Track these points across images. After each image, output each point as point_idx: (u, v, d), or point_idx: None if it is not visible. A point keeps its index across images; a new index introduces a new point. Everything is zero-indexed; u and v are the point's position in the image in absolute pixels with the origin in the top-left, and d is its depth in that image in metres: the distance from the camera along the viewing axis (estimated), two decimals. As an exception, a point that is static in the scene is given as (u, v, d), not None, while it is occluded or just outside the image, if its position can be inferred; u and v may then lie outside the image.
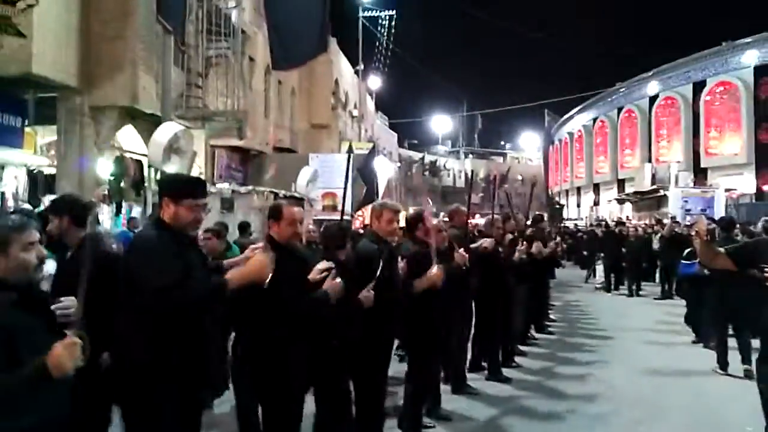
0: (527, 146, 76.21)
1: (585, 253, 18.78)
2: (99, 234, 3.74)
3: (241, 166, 19.85)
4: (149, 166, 12.15)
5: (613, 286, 15.61)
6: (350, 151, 22.99)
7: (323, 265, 3.59)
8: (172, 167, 11.41)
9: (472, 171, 43.68)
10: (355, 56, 32.25)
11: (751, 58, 29.71)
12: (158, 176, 11.28)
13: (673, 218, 17.14)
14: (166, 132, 10.93)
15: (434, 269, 4.44)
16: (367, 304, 3.83)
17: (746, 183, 28.97)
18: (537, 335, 9.21)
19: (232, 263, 3.45)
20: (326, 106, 27.27)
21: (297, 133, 24.78)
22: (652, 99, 36.59)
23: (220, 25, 15.80)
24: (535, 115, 64.01)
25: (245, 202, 12.89)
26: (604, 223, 20.87)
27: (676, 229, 14.44)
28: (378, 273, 3.94)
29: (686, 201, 21.01)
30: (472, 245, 5.84)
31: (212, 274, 3.12)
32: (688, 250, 7.11)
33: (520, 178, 69.45)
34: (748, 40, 29.72)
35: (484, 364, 6.80)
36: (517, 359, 7.49)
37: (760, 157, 29.46)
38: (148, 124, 12.47)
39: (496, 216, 6.74)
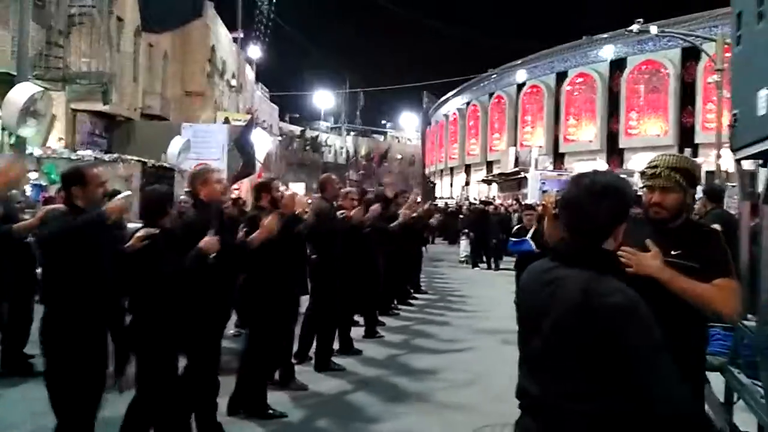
0: (407, 126, 77.96)
1: (466, 230, 19.39)
2: None
3: (106, 133, 18.83)
4: (2, 129, 11.30)
5: (477, 260, 16.70)
6: (227, 121, 22.49)
7: (144, 232, 3.43)
8: (29, 131, 10.70)
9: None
10: (234, 23, 31.36)
11: (607, 52, 32.45)
12: (12, 140, 10.56)
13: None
14: (22, 93, 10.22)
15: (266, 219, 4.23)
16: (213, 250, 3.64)
17: (599, 168, 31.78)
18: (401, 306, 9.58)
19: (23, 226, 3.27)
20: (202, 74, 26.40)
21: (169, 100, 23.82)
22: (520, 86, 38.93)
23: (84, -19, 14.79)
24: (414, 97, 65.62)
25: (109, 171, 12.35)
26: (468, 202, 22.07)
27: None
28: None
29: (544, 183, 22.77)
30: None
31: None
32: (517, 226, 6.90)
33: (399, 156, 71.16)
34: (605, 35, 32.39)
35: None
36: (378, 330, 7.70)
37: (611, 144, 32.49)
38: (1, 83, 11.56)
39: (350, 189, 6.75)
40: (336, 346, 6.39)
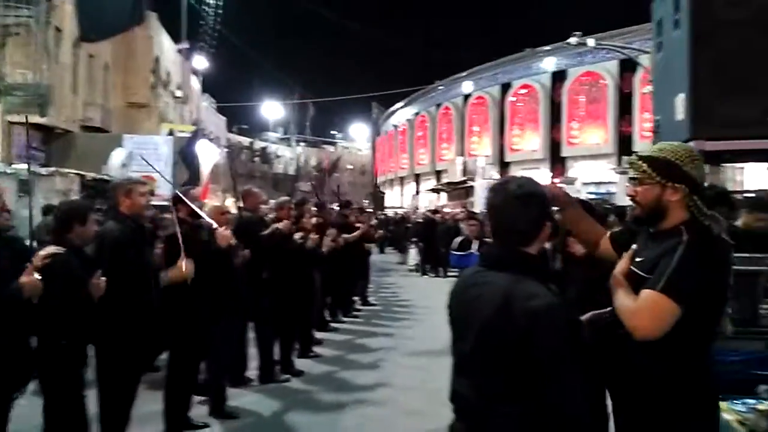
0: (357, 136, 78.07)
1: (414, 239, 19.22)
2: None
3: (44, 146, 18.23)
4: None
5: (426, 269, 16.87)
6: (171, 133, 22.04)
7: (50, 249, 3.18)
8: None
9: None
10: (179, 34, 30.88)
11: (549, 64, 33.36)
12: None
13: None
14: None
15: (183, 263, 4.00)
16: (97, 293, 3.39)
17: (542, 177, 32.65)
18: (345, 318, 9.49)
19: None
20: (145, 85, 25.87)
21: (111, 111, 23.25)
22: (466, 97, 39.65)
23: (20, -9, 14.39)
24: (364, 107, 65.93)
25: (47, 185, 12.00)
26: (416, 210, 22.28)
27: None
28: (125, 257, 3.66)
29: (490, 192, 23.21)
30: (266, 231, 5.75)
31: None
32: (460, 238, 6.40)
33: (350, 167, 71.17)
34: (547, 48, 33.32)
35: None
36: (316, 348, 7.42)
37: (554, 153, 33.41)
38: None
39: (285, 198, 6.55)
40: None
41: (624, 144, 30.00)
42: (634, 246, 2.20)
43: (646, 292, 1.98)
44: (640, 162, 2.14)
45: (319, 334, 8.01)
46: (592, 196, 19.96)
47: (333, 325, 8.95)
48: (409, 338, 8.43)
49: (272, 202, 6.75)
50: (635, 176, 2.16)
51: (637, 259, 2.13)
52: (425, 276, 16.49)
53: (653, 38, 3.71)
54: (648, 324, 1.96)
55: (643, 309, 1.97)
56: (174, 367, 4.44)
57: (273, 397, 5.64)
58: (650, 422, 2.06)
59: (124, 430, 3.84)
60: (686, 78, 2.78)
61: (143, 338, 3.82)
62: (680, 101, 2.91)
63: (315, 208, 7.79)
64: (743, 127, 2.40)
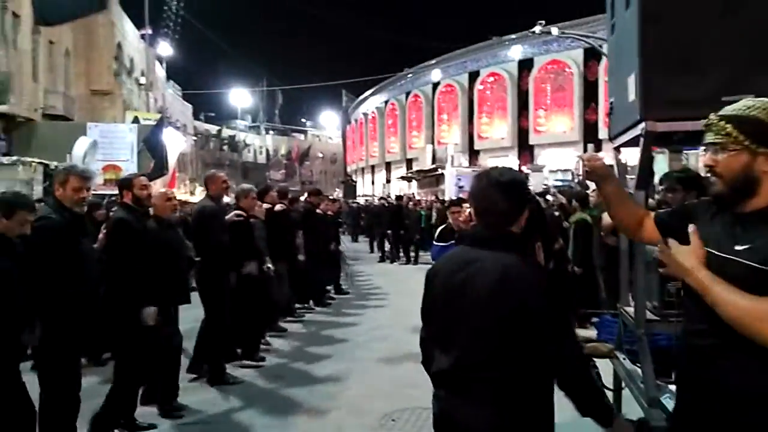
0: (327, 124, 77.76)
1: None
2: None
3: (5, 134, 17.77)
4: None
5: (396, 256, 16.98)
6: (136, 121, 21.69)
7: None
8: None
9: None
10: (142, 20, 30.29)
11: (516, 52, 33.65)
12: None
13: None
14: None
15: None
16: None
17: (511, 164, 32.98)
18: (317, 308, 9.52)
19: None
20: (108, 72, 25.36)
21: (74, 99, 22.74)
22: (435, 85, 39.78)
23: (-26, -25, 13.93)
24: (334, 95, 65.61)
25: (8, 174, 11.74)
26: (384, 199, 22.38)
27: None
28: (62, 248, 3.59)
29: (459, 179, 23.36)
30: (227, 217, 5.70)
31: None
32: (442, 227, 5.93)
33: (320, 155, 70.86)
34: (514, 36, 33.56)
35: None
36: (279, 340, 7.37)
37: (522, 140, 33.79)
38: None
39: (248, 186, 6.41)
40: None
41: (589, 132, 30.47)
42: (692, 226, 1.75)
43: None
44: (722, 123, 1.68)
45: (284, 324, 8.00)
46: (559, 183, 20.30)
47: (301, 311, 8.98)
48: (379, 324, 8.53)
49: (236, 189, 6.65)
50: (715, 141, 1.70)
51: (740, 248, 1.65)
52: (395, 263, 16.60)
53: (607, 20, 3.72)
54: None
55: None
56: (120, 364, 4.33)
57: (229, 391, 5.42)
58: None
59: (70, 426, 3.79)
60: (636, 58, 2.82)
61: (81, 330, 3.73)
62: (631, 82, 2.97)
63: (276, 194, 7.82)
64: (695, 108, 2.42)
